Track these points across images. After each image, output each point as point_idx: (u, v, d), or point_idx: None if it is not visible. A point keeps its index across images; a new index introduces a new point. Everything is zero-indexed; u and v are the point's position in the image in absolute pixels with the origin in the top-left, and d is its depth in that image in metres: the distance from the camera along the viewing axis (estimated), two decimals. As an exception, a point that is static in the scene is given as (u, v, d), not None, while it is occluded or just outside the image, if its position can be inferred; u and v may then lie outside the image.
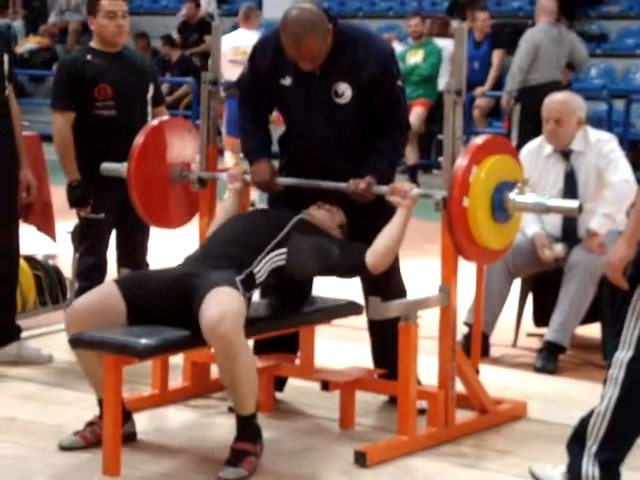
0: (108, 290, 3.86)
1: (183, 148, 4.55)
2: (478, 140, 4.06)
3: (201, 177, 4.49)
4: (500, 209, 4.02)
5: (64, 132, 4.92)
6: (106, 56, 4.97)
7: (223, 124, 8.99)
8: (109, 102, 4.91)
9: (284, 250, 3.97)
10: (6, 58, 4.81)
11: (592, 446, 3.42)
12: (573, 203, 4.15)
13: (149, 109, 5.01)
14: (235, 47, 9.58)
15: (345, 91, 4.13)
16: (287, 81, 4.18)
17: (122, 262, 4.95)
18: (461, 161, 3.94)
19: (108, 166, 4.61)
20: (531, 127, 9.34)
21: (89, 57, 4.96)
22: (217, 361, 3.74)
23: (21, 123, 4.98)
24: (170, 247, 7.14)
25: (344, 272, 4.06)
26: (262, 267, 3.93)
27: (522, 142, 9.74)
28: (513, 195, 4.03)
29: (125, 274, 4.18)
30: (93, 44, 5.03)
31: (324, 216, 4.16)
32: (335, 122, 4.17)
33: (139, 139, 4.44)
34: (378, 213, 4.11)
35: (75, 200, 4.94)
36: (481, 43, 11.69)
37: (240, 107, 4.42)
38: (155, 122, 4.58)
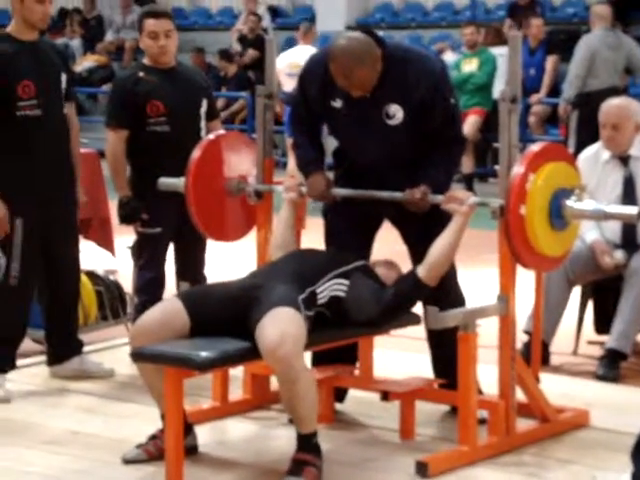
0: (172, 305, 3.89)
1: (239, 161, 4.58)
2: (534, 147, 4.04)
3: (258, 190, 4.52)
4: (558, 216, 3.99)
5: (116, 149, 4.97)
6: (158, 72, 5.01)
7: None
8: (161, 118, 4.95)
9: (346, 282, 3.98)
10: (64, 77, 4.88)
11: None
12: (632, 210, 4.11)
13: (202, 124, 5.04)
14: (289, 64, 9.97)
15: (396, 113, 4.12)
16: (338, 103, 4.17)
17: (180, 276, 4.99)
18: (517, 169, 3.92)
19: (165, 181, 4.66)
20: (589, 134, 9.24)
21: (141, 74, 5.01)
22: (278, 382, 3.75)
23: (79, 141, 5.05)
24: (228, 260, 7.18)
25: (403, 299, 4.02)
26: (325, 289, 3.94)
27: (580, 149, 9.68)
28: (571, 202, 4.00)
29: (187, 289, 4.21)
30: (145, 61, 5.09)
31: (383, 271, 4.15)
32: (387, 143, 4.17)
33: (196, 153, 4.48)
34: (433, 223, 4.11)
35: (125, 216, 4.99)
36: (536, 50, 11.63)
37: (294, 121, 4.44)
38: (212, 136, 4.61)
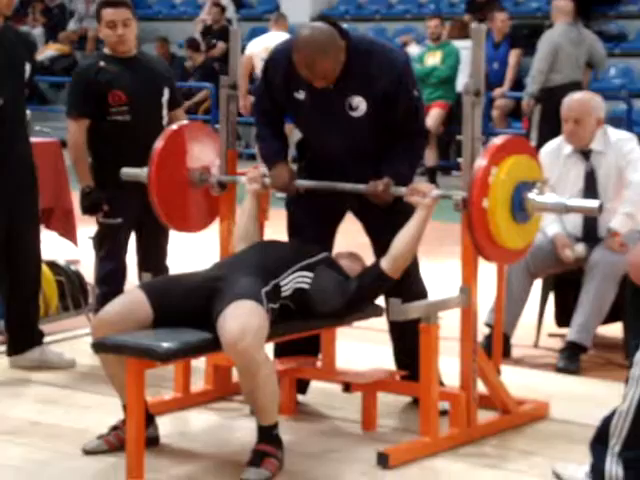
0: (134, 296, 3.88)
1: (203, 152, 4.57)
2: (497, 140, 4.06)
3: (221, 181, 4.51)
4: (520, 209, 4.02)
5: (77, 138, 4.95)
6: (119, 62, 5.00)
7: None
8: (123, 107, 4.93)
9: (310, 274, 3.98)
10: (28, 67, 4.84)
11: (615, 445, 3.41)
12: (593, 203, 4.14)
13: (164, 113, 5.03)
14: (265, 47, 10.15)
15: (360, 104, 4.12)
16: (301, 95, 4.17)
17: (142, 267, 4.98)
18: (480, 162, 3.94)
19: (128, 171, 4.63)
20: (551, 128, 9.34)
21: (102, 64, 4.99)
22: (238, 374, 3.75)
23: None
24: (190, 251, 7.17)
25: (366, 291, 4.02)
26: (289, 282, 3.94)
27: (542, 142, 9.78)
28: (533, 195, 4.02)
29: (151, 279, 4.19)
30: (106, 50, 5.07)
31: (346, 263, 4.15)
32: (351, 135, 4.17)
33: (159, 143, 4.47)
34: (396, 216, 4.11)
35: (87, 206, 4.97)
36: (500, 44, 11.67)
37: (257, 113, 4.44)
38: (175, 126, 4.60)
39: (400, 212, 4.10)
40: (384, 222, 4.19)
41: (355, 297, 4.01)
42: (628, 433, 3.39)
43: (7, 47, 4.76)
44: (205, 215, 4.63)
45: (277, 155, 4.33)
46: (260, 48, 10.45)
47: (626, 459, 3.41)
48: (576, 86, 8.81)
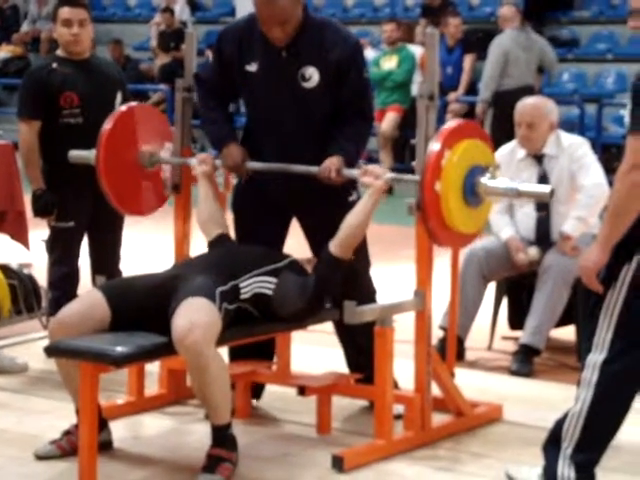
0: (92, 296, 3.86)
1: (152, 134, 4.54)
2: (451, 124, 4.05)
3: (176, 183, 4.49)
4: (472, 193, 3.99)
5: (29, 141, 4.92)
6: (72, 64, 4.97)
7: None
8: (75, 110, 4.91)
9: (274, 280, 3.96)
10: None
11: (567, 448, 3.44)
12: (545, 188, 4.15)
13: None
14: None
15: (312, 75, 4.11)
16: (253, 67, 4.15)
17: (96, 270, 4.94)
18: (434, 145, 3.93)
19: (76, 153, 4.59)
20: (503, 132, 9.44)
21: (55, 65, 4.96)
22: (188, 371, 3.74)
23: None
24: (144, 254, 7.13)
25: (324, 280, 3.98)
26: (249, 285, 3.91)
27: (495, 146, 9.86)
28: (485, 179, 4.01)
29: (108, 281, 4.16)
30: (59, 52, 5.04)
31: (310, 268, 4.13)
32: (301, 107, 4.13)
33: (107, 125, 4.43)
34: (337, 213, 4.06)
35: (39, 209, 4.93)
36: (454, 48, 11.72)
37: (203, 98, 4.35)
38: (124, 108, 4.55)
39: (339, 211, 4.05)
40: (322, 221, 4.16)
41: (316, 290, 3.97)
42: (580, 436, 3.41)
43: None
44: (155, 198, 4.60)
45: (228, 137, 4.27)
46: None
47: (578, 462, 3.43)
48: (528, 90, 8.90)
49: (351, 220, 3.98)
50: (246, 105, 4.41)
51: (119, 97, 5.03)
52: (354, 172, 4.07)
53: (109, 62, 5.73)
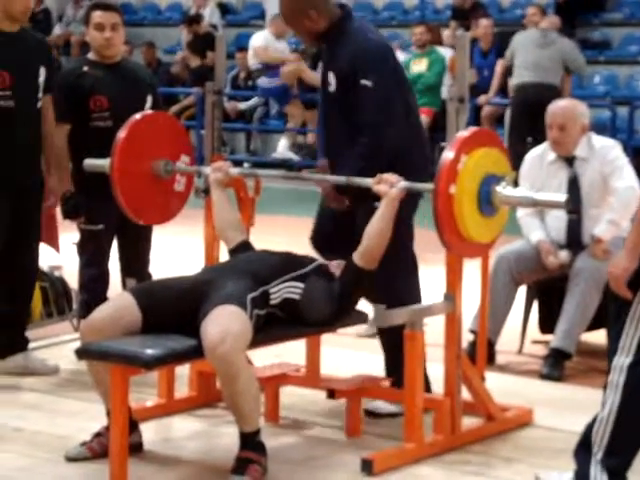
0: (123, 300, 3.87)
1: (168, 143, 4.52)
2: (467, 132, 4.00)
3: (207, 187, 4.50)
4: (487, 202, 3.94)
5: (61, 142, 4.94)
6: (103, 67, 4.98)
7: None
8: (104, 113, 4.91)
9: (302, 285, 3.96)
10: (42, 71, 4.82)
11: (598, 452, 3.41)
12: (560, 197, 4.12)
13: None
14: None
15: (332, 80, 4.30)
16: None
17: (125, 272, 4.96)
18: (450, 149, 3.89)
19: (91, 162, 4.60)
20: (518, 124, 9.70)
21: (86, 68, 4.98)
22: (219, 380, 3.74)
23: (54, 133, 4.93)
24: (173, 257, 7.15)
25: (349, 289, 4.00)
26: (279, 290, 3.92)
27: (512, 137, 10.13)
28: (500, 188, 3.96)
29: (138, 284, 4.17)
30: (90, 55, 5.06)
31: (337, 272, 4.12)
32: (328, 110, 4.38)
33: (122, 133, 4.42)
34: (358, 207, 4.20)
35: (68, 211, 4.95)
36: (488, 52, 11.68)
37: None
38: (139, 116, 4.53)
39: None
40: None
41: (341, 298, 3.99)
42: (610, 440, 3.39)
43: (20, 50, 4.76)
44: (169, 207, 4.59)
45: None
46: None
47: (610, 466, 3.41)
48: (547, 88, 9.21)
49: (370, 230, 3.97)
50: None
51: (149, 101, 5.03)
52: (368, 181, 4.06)
53: (140, 66, 5.75)
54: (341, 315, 4.05)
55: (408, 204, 4.19)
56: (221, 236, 4.29)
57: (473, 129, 4.06)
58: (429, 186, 3.92)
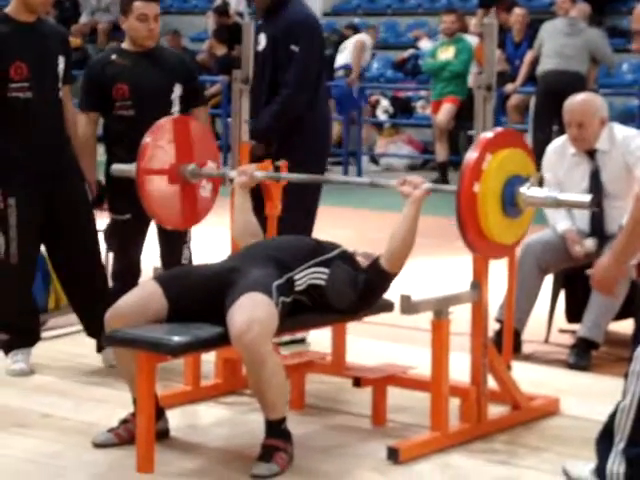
0: (149, 288, 3.88)
1: (195, 148, 4.50)
2: (490, 133, 3.95)
3: (233, 176, 4.51)
4: (511, 203, 3.90)
5: (85, 132, 4.93)
6: (133, 55, 4.94)
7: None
8: (127, 102, 4.88)
9: (326, 271, 3.96)
10: (61, 60, 4.80)
11: (620, 442, 3.39)
12: (584, 197, 4.10)
13: (175, 109, 4.91)
14: None
15: (262, 41, 5.09)
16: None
17: (164, 263, 4.94)
18: (475, 148, 3.86)
19: (118, 167, 4.59)
20: (545, 111, 9.66)
21: (114, 57, 4.95)
22: (245, 368, 3.75)
23: (75, 122, 4.91)
24: (203, 246, 7.16)
25: (373, 288, 3.99)
26: (304, 277, 3.92)
27: (538, 124, 10.08)
28: (524, 189, 3.92)
29: (164, 271, 4.18)
30: (124, 44, 5.01)
31: (362, 261, 4.12)
32: (256, 69, 4.84)
33: (148, 138, 4.40)
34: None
35: (92, 200, 4.95)
36: (521, 43, 11.59)
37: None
38: (163, 120, 4.50)
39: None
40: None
41: (364, 292, 3.99)
42: (631, 430, 3.36)
43: (39, 40, 4.74)
44: (194, 212, 4.57)
45: None
46: None
47: (630, 456, 3.38)
48: (573, 76, 9.20)
49: (397, 233, 3.93)
50: None
51: (177, 90, 4.96)
52: (392, 182, 4.04)
53: (174, 54, 5.52)
54: (364, 305, 4.05)
55: (313, 194, 5.07)
56: (238, 240, 4.29)
57: (498, 130, 4.02)
58: (452, 187, 3.89)
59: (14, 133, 4.71)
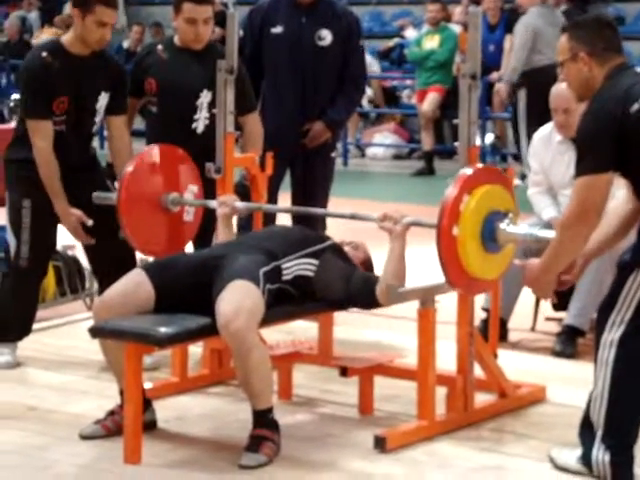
0: (136, 277, 3.88)
1: (176, 176, 4.49)
2: (470, 170, 3.89)
3: (219, 167, 4.50)
4: (490, 239, 3.85)
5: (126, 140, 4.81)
6: (177, 52, 4.81)
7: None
8: (154, 98, 4.82)
9: (315, 262, 3.96)
10: (104, 95, 4.67)
11: (598, 431, 3.41)
12: None
13: (200, 115, 4.77)
14: None
15: (327, 36, 5.28)
16: (278, 29, 5.30)
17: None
18: (452, 190, 3.78)
19: (99, 194, 4.55)
20: (538, 109, 9.51)
21: (159, 47, 4.87)
22: (232, 356, 3.75)
23: (129, 155, 4.67)
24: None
25: (360, 302, 4.01)
26: (291, 266, 3.92)
27: (531, 125, 9.94)
28: (504, 225, 3.87)
29: (151, 261, 4.18)
30: (176, 40, 4.85)
31: (350, 251, 4.15)
32: (315, 63, 5.24)
33: (129, 167, 4.39)
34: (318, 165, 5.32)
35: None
36: (496, 27, 11.59)
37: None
38: (147, 149, 4.48)
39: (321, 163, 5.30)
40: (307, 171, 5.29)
41: (354, 297, 3.97)
42: (606, 418, 3.37)
43: (86, 76, 4.63)
44: (178, 238, 4.54)
45: None
46: None
47: (611, 445, 3.39)
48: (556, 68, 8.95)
49: (388, 271, 3.90)
50: (267, 65, 5.32)
51: (206, 96, 4.75)
52: (373, 215, 4.03)
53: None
54: (353, 302, 4.04)
55: None
56: None
57: (476, 167, 3.93)
58: (432, 222, 3.81)
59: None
